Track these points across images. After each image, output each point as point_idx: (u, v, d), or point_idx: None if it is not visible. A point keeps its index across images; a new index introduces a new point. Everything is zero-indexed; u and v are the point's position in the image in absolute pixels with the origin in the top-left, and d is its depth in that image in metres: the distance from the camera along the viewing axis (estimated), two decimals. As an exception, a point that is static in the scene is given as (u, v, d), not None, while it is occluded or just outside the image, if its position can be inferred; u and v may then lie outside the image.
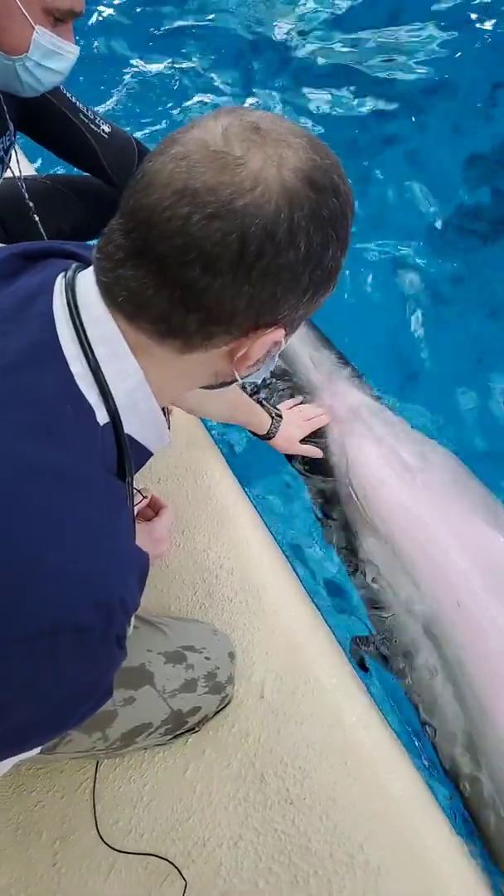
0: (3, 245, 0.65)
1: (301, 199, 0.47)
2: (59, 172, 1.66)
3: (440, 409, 1.51)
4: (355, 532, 1.24)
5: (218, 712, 0.95)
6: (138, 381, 0.54)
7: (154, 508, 0.97)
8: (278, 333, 0.53)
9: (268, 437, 1.23)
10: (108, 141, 1.31)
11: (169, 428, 0.70)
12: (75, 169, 1.42)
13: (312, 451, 1.28)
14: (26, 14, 0.96)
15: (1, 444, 0.49)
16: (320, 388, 1.37)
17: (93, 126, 1.27)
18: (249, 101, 2.31)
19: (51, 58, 1.03)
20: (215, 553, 1.11)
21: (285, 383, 1.39)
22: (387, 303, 1.74)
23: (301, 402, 1.34)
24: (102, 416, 0.53)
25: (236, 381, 0.59)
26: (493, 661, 1.05)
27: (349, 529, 1.25)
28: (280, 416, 1.24)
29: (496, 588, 1.10)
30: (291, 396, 1.36)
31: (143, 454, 0.61)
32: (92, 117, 1.28)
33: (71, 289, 0.54)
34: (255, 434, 1.24)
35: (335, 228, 0.50)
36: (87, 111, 1.28)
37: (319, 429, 1.31)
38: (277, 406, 1.27)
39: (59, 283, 0.55)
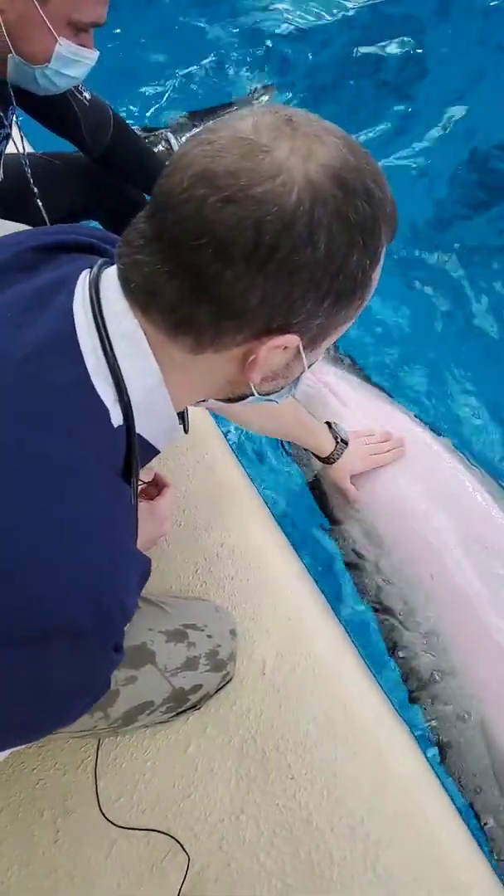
0: (14, 231, 0.63)
1: (325, 196, 0.45)
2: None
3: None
4: (334, 504, 1.24)
5: (219, 690, 0.95)
6: (156, 381, 0.53)
7: (157, 487, 0.96)
8: (291, 339, 0.50)
9: (327, 461, 1.15)
10: (88, 108, 1.29)
11: (187, 429, 0.69)
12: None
13: (352, 494, 1.18)
14: (51, 27, 0.97)
15: (10, 437, 0.47)
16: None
17: (76, 92, 1.25)
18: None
19: (70, 66, 1.04)
20: (216, 532, 1.11)
21: None
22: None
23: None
24: (116, 417, 0.51)
25: (253, 394, 0.56)
26: (468, 631, 1.07)
27: (329, 503, 1.25)
28: (345, 443, 1.14)
29: (472, 560, 1.11)
30: None
31: (151, 452, 0.60)
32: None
33: (95, 284, 0.52)
34: (312, 454, 1.17)
35: (363, 234, 0.47)
36: None
37: None
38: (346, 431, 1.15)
39: (83, 279, 0.54)
